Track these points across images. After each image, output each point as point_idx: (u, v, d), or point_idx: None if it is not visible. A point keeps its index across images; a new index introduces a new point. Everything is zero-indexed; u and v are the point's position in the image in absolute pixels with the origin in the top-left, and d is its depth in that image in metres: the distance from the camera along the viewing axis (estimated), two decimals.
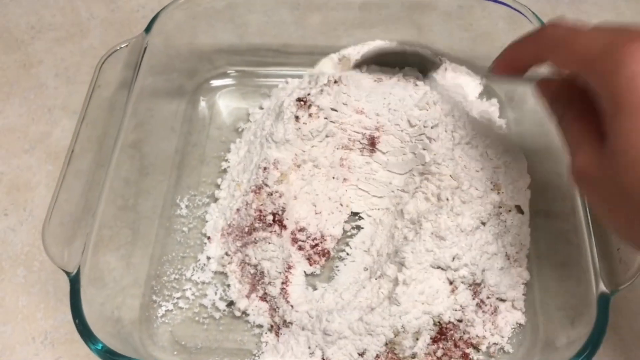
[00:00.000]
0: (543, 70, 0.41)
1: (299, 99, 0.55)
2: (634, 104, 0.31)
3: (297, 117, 0.54)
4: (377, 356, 0.47)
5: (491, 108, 0.62)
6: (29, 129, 0.66)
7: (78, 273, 0.45)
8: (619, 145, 0.32)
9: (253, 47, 0.68)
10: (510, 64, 0.43)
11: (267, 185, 0.52)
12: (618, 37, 0.32)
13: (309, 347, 0.47)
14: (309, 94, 0.55)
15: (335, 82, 0.55)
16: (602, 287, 0.44)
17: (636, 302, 0.53)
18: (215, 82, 0.68)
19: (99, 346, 0.42)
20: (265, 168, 0.53)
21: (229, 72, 0.68)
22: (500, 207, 0.50)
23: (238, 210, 0.53)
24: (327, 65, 0.62)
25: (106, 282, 0.49)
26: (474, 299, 0.48)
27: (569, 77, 0.39)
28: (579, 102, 0.38)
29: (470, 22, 0.65)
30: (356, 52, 0.60)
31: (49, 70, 0.71)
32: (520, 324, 0.49)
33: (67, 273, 0.45)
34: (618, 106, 0.32)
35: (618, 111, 0.32)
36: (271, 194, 0.52)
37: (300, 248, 0.52)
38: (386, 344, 0.47)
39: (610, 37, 0.33)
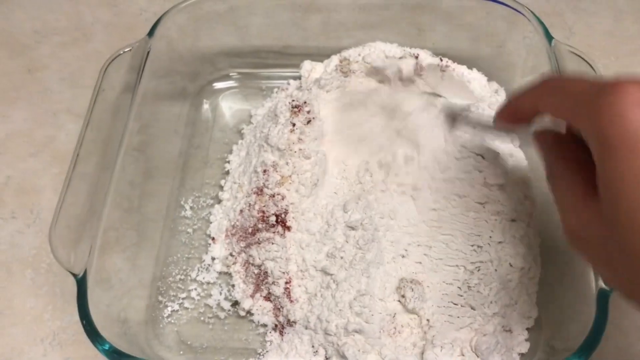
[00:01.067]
0: (546, 122, 0.40)
1: (294, 106, 0.55)
2: (624, 141, 0.29)
3: (293, 124, 0.54)
4: None
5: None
6: (34, 133, 0.67)
7: (85, 275, 0.45)
8: (611, 191, 0.30)
9: (255, 49, 0.68)
10: (511, 115, 0.43)
11: (268, 187, 0.53)
12: (608, 81, 0.31)
13: (313, 346, 0.48)
14: (305, 102, 0.55)
15: None
16: (602, 284, 0.44)
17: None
18: (218, 85, 0.68)
19: (106, 346, 0.43)
20: (265, 171, 0.54)
21: (231, 74, 0.69)
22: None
23: (241, 211, 0.54)
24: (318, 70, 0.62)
25: (112, 284, 0.50)
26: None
27: (567, 130, 0.38)
28: (572, 158, 0.36)
29: (470, 22, 0.66)
30: (357, 54, 0.61)
31: (54, 74, 0.72)
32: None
33: (74, 275, 0.46)
34: (606, 147, 0.30)
35: (607, 152, 0.30)
36: (273, 196, 0.52)
37: None
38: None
39: (601, 82, 0.32)
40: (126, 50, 0.58)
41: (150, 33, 0.59)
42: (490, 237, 0.51)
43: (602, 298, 0.43)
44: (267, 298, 0.51)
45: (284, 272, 0.51)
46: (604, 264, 0.33)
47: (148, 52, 0.58)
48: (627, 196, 0.29)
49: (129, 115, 0.55)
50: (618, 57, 0.72)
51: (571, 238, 0.34)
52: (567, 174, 0.35)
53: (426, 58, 0.63)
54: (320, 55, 0.68)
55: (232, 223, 0.55)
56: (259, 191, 0.53)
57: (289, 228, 0.52)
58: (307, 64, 0.63)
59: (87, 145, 0.52)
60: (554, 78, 0.38)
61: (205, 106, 0.67)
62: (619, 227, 0.29)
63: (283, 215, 0.52)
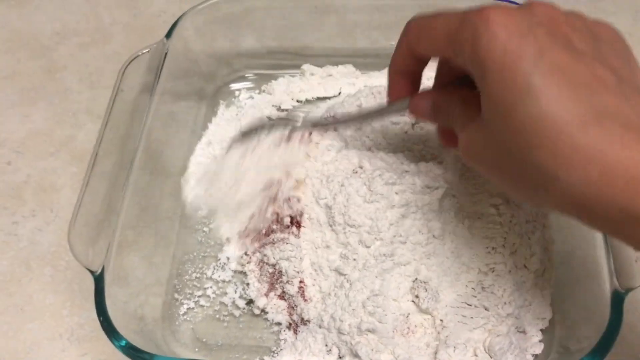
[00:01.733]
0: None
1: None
2: (496, 60, 0.32)
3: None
4: None
5: None
6: (54, 132, 0.68)
7: (102, 272, 0.46)
8: (490, 103, 0.33)
9: (271, 50, 0.69)
10: (398, 83, 0.44)
11: (282, 192, 0.53)
12: (471, 10, 0.34)
13: (326, 345, 0.48)
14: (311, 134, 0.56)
15: None
16: (616, 286, 0.44)
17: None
18: (235, 86, 0.69)
19: (123, 343, 0.43)
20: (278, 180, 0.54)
21: (247, 75, 0.69)
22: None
23: (252, 215, 0.54)
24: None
25: (129, 281, 0.51)
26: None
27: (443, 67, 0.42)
28: (456, 92, 0.40)
29: None
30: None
31: (73, 75, 0.73)
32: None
33: (92, 272, 0.46)
34: (483, 69, 0.32)
35: (484, 74, 0.32)
36: (288, 199, 0.53)
37: None
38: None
39: (465, 12, 0.34)
40: (144, 51, 0.59)
41: (168, 35, 0.60)
42: (505, 238, 0.51)
43: (617, 299, 0.43)
44: (282, 297, 0.52)
45: (298, 272, 0.51)
46: (496, 171, 0.36)
47: (166, 54, 0.59)
48: (501, 103, 0.32)
49: (147, 115, 0.55)
50: (637, 58, 0.71)
51: (465, 153, 0.38)
52: (454, 104, 0.39)
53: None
54: (336, 56, 0.69)
55: (245, 226, 0.55)
56: (272, 200, 0.53)
57: (303, 228, 0.52)
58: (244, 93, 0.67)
59: (105, 145, 0.53)
60: (417, 18, 0.40)
61: (222, 107, 0.67)
62: (500, 134, 0.33)
63: (298, 217, 0.53)
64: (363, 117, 0.52)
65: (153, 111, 0.56)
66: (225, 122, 0.65)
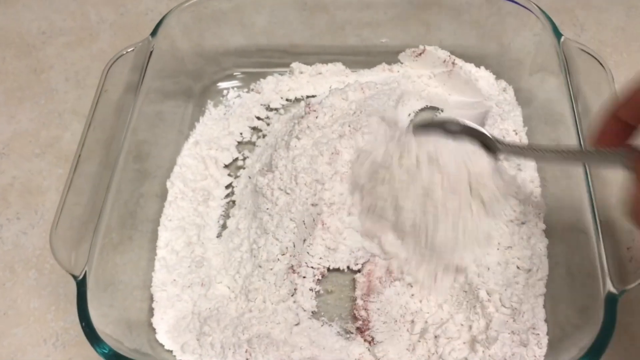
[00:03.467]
0: None
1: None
2: None
3: None
4: None
5: (507, 97, 0.63)
6: (39, 133, 0.67)
7: (85, 276, 0.45)
8: None
9: (260, 48, 0.68)
10: (611, 128, 0.40)
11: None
12: None
13: None
14: None
15: None
16: (610, 287, 0.43)
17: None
18: (223, 84, 0.68)
19: (106, 349, 0.42)
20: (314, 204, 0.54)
21: (235, 73, 0.68)
22: None
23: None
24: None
25: (114, 285, 0.50)
26: None
27: None
28: None
29: (477, 20, 0.65)
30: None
31: (60, 74, 0.72)
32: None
33: (74, 276, 0.45)
34: None
35: None
36: None
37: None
38: None
39: None
40: (129, 50, 0.58)
41: (154, 33, 0.59)
42: (499, 242, 0.50)
43: (611, 301, 0.42)
44: None
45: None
46: None
47: (151, 52, 0.58)
48: None
49: (132, 115, 0.54)
50: (630, 54, 0.70)
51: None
52: None
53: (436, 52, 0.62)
54: (326, 54, 0.68)
55: None
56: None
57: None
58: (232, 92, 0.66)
59: (89, 146, 0.52)
60: None
61: (210, 106, 0.66)
62: None
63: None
64: (562, 154, 0.46)
65: (138, 111, 0.55)
66: (213, 122, 0.64)
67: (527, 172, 0.56)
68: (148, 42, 0.58)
